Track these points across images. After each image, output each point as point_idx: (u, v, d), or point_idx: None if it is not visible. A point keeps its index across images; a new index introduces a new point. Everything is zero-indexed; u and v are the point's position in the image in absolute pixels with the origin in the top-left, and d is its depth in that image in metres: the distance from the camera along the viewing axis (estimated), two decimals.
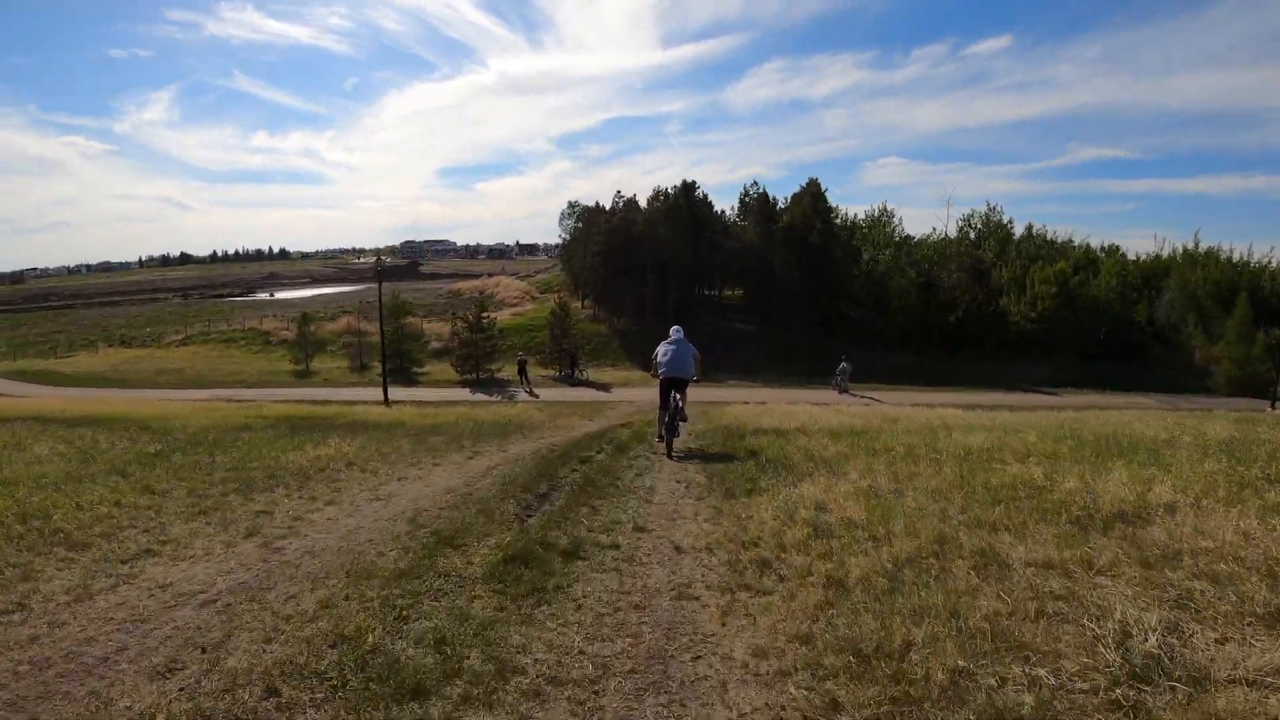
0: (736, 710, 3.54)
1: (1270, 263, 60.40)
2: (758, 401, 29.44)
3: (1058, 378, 47.72)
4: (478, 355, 42.61)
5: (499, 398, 36.25)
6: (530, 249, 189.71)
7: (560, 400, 33.81)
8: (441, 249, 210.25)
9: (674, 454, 11.85)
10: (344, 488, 9.76)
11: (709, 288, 67.18)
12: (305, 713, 3.53)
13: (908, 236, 61.48)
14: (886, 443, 11.87)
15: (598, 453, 12.73)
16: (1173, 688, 3.29)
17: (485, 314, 44.48)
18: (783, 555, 5.66)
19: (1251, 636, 3.70)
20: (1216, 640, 3.71)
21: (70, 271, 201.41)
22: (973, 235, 61.12)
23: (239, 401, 33.14)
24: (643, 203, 59.86)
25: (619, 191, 58.93)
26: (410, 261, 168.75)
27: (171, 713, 3.53)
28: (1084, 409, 33.49)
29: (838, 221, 57.41)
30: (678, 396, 12.47)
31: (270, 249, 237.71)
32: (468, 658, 4.02)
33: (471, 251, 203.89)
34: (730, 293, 67.88)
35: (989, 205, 61.93)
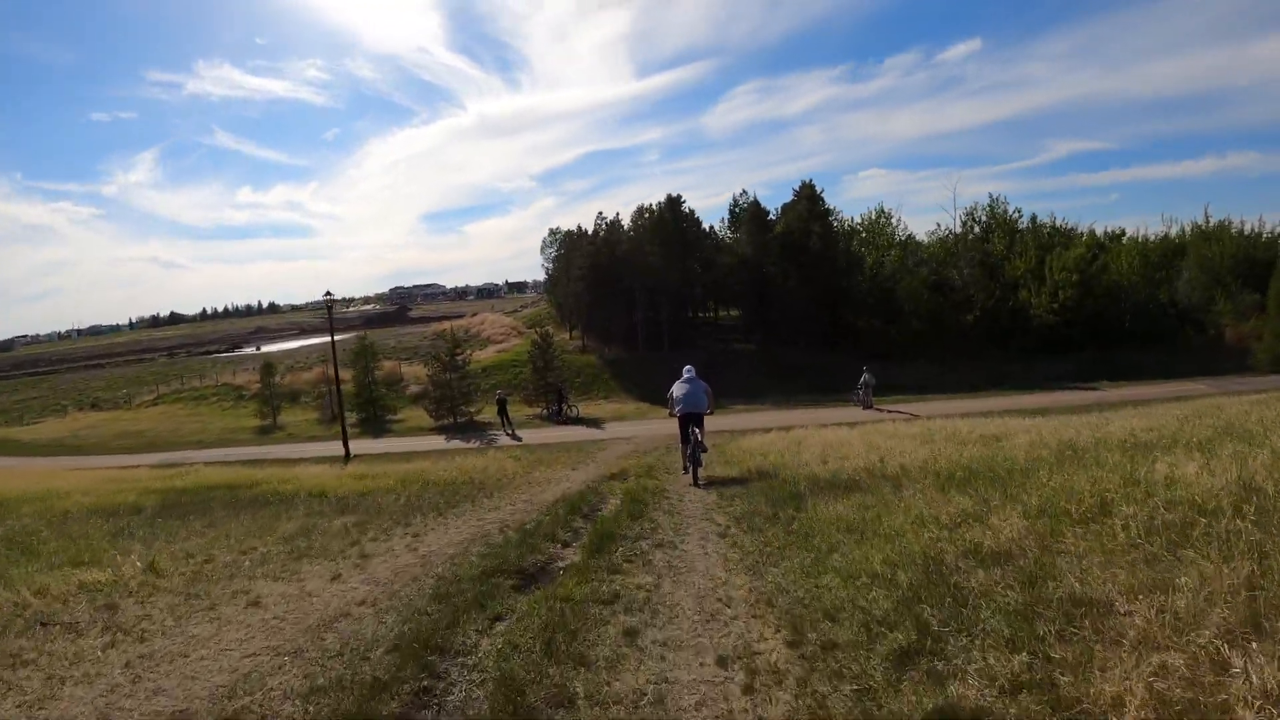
0: None
1: None
2: (778, 427, 24.39)
3: (1087, 371, 43.12)
4: (454, 397, 37.37)
5: (476, 444, 31.07)
6: (519, 287, 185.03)
7: (544, 443, 28.64)
8: (430, 293, 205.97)
9: (700, 483, 12.66)
10: None
11: (703, 309, 62.00)
12: None
13: (910, 236, 56.10)
14: (1063, 488, 6.54)
15: (564, 543, 8.85)
16: None
17: (460, 351, 39.14)
18: None
19: None
20: None
21: (61, 337, 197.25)
22: (977, 229, 55.99)
23: (177, 467, 28.57)
24: (626, 223, 54.76)
25: (600, 213, 53.84)
26: (399, 307, 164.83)
27: None
28: (1147, 402, 28.95)
29: (836, 225, 52.13)
30: (696, 431, 13.17)
31: (260, 303, 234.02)
32: None
33: (460, 293, 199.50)
34: (726, 313, 62.85)
35: (992, 197, 56.61)
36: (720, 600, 5.75)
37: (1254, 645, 3.15)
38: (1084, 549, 4.68)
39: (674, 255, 50.34)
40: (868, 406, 32.69)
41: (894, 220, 56.93)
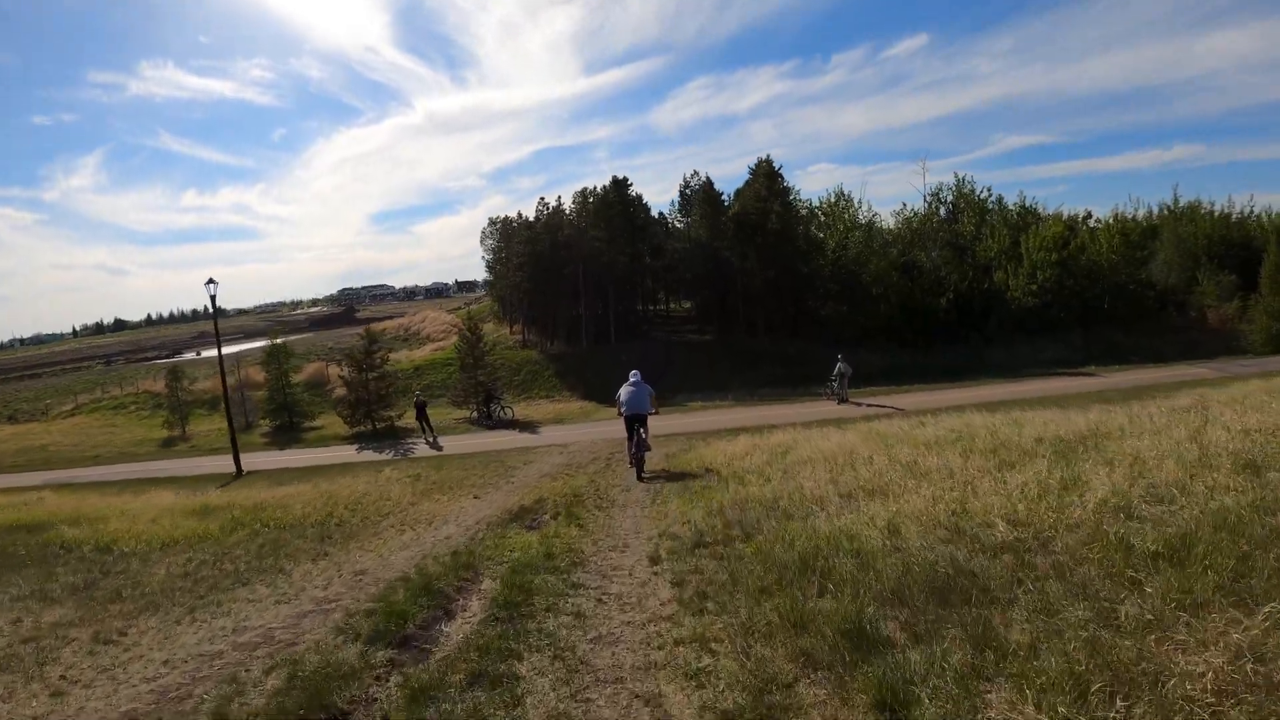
0: None
1: (1257, 213, 53.06)
2: (748, 428, 19.55)
3: (1072, 356, 39.23)
4: (370, 401, 31.73)
5: (389, 454, 25.73)
6: (469, 286, 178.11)
7: (465, 452, 23.48)
8: (379, 294, 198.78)
9: (644, 475, 13.36)
10: None
11: (654, 301, 56.66)
12: None
13: (874, 217, 51.04)
14: None
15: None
16: None
17: (377, 349, 33.52)
18: None
19: None
20: None
21: (3, 348, 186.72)
22: (943, 211, 51.43)
23: (28, 493, 24.15)
24: (569, 208, 49.26)
25: (542, 199, 48.09)
26: (346, 308, 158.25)
27: None
28: (1154, 387, 24.75)
29: (795, 206, 46.91)
30: (641, 430, 13.78)
31: (205, 308, 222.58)
32: None
33: (410, 293, 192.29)
34: (678, 305, 57.74)
35: (958, 177, 52.02)
36: None
37: None
38: None
39: (621, 240, 45.05)
40: (843, 400, 27.89)
41: (855, 203, 52.04)
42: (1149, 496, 5.64)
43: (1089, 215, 52.75)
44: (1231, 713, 2.82)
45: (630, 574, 6.64)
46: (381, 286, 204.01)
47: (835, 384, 28.39)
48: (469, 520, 11.14)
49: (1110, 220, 49.65)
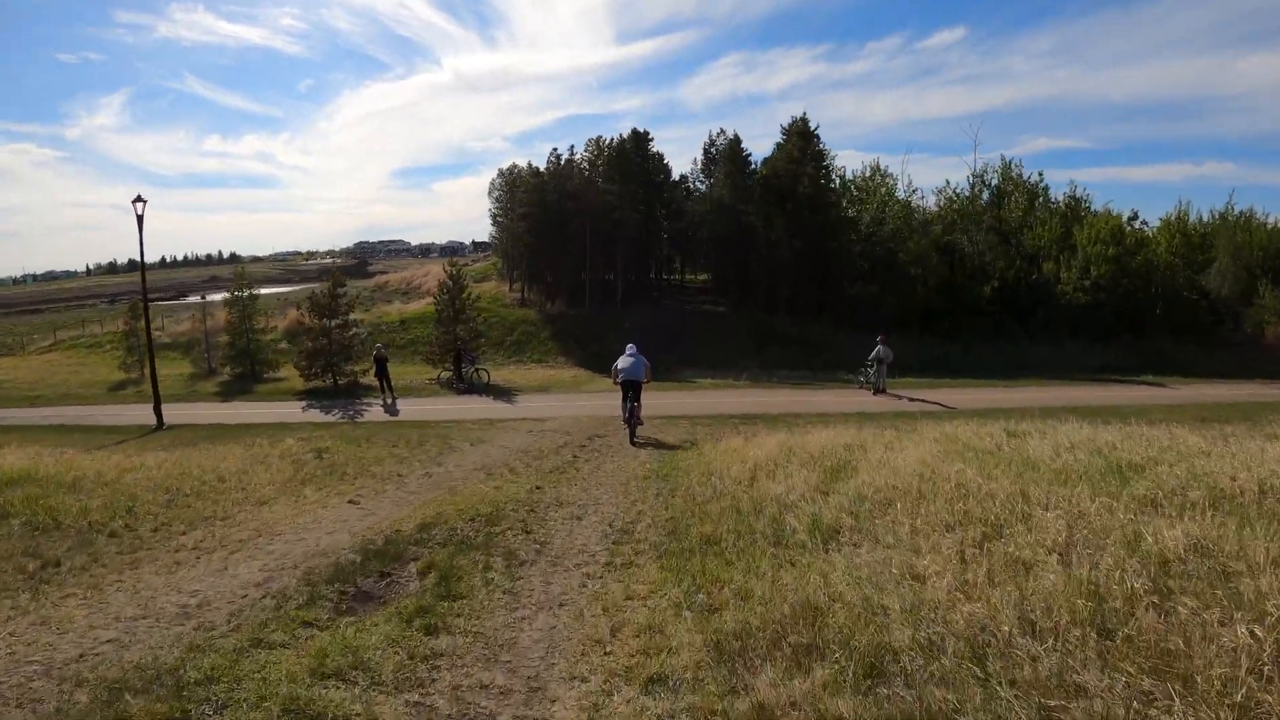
0: None
1: None
2: (773, 416, 15.19)
3: (1121, 363, 34.08)
4: (330, 353, 27.18)
5: (336, 415, 21.38)
6: (484, 246, 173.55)
7: (413, 420, 19.23)
8: (395, 249, 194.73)
9: (636, 441, 14.32)
10: None
11: (668, 270, 51.60)
12: None
13: (914, 192, 45.70)
14: None
15: None
16: None
17: (342, 291, 28.92)
18: None
19: None
20: None
21: (16, 282, 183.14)
22: (987, 194, 46.05)
23: None
24: (582, 158, 44.25)
25: (554, 149, 43.09)
26: (359, 261, 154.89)
27: None
28: (1250, 406, 20.76)
29: (831, 170, 41.77)
30: (635, 405, 14.91)
31: (220, 253, 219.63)
32: None
33: (425, 250, 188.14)
34: (694, 277, 52.72)
35: (1004, 159, 46.53)
36: None
37: None
38: None
39: (636, 197, 40.10)
40: (880, 390, 23.30)
41: (893, 177, 46.74)
42: None
43: (1135, 216, 47.44)
44: None
45: None
46: (397, 242, 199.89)
47: (871, 370, 23.77)
48: (277, 558, 6.68)
49: (1173, 218, 44.29)
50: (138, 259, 25.74)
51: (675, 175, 46.63)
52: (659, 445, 13.53)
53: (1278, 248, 43.09)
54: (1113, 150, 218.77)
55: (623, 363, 15.33)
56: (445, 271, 29.96)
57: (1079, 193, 45.69)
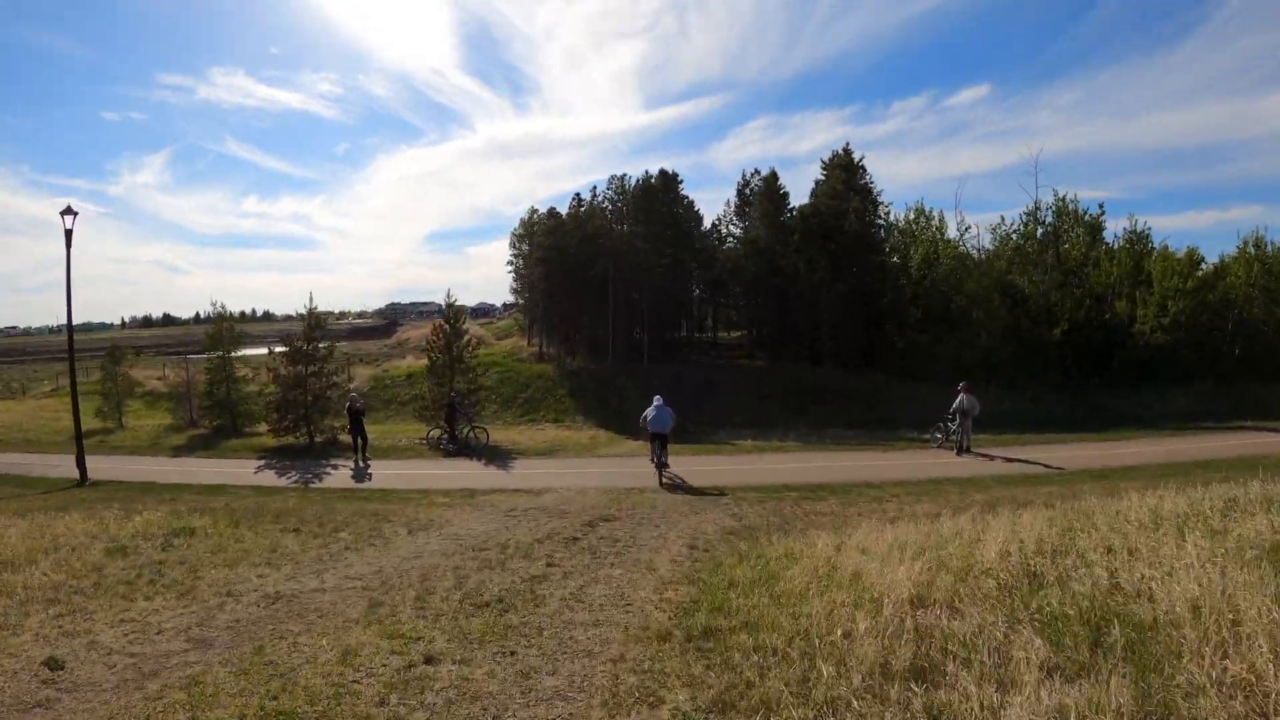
0: None
1: None
2: (835, 487, 10.92)
3: (1205, 408, 29.52)
4: (305, 405, 23.24)
5: (290, 478, 17.34)
6: (513, 308, 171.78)
7: (374, 488, 15.17)
8: (425, 310, 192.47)
9: (665, 482, 15.09)
10: None
11: (699, 329, 47.41)
12: None
13: (966, 229, 41.14)
14: None
15: None
16: None
17: (320, 331, 25.05)
18: None
19: None
20: None
21: (52, 331, 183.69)
22: (1039, 233, 41.36)
23: None
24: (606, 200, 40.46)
25: (577, 195, 39.52)
26: (389, 322, 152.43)
27: None
28: None
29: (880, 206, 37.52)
30: (663, 453, 15.94)
31: (255, 311, 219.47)
32: None
33: (456, 311, 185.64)
34: (728, 335, 48.48)
35: (1057, 194, 41.70)
36: None
37: None
38: None
39: (662, 238, 36.24)
40: (964, 450, 18.78)
41: (939, 218, 42.42)
42: None
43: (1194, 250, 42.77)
44: None
45: None
46: (428, 304, 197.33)
47: (952, 426, 19.34)
48: None
49: (1249, 246, 39.36)
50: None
51: (706, 225, 42.80)
52: (693, 545, 9.12)
53: None
54: (1140, 200, 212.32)
55: (650, 412, 16.23)
56: (443, 323, 25.84)
57: (1139, 226, 40.95)
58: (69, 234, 18.91)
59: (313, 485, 16.60)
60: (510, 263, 48.58)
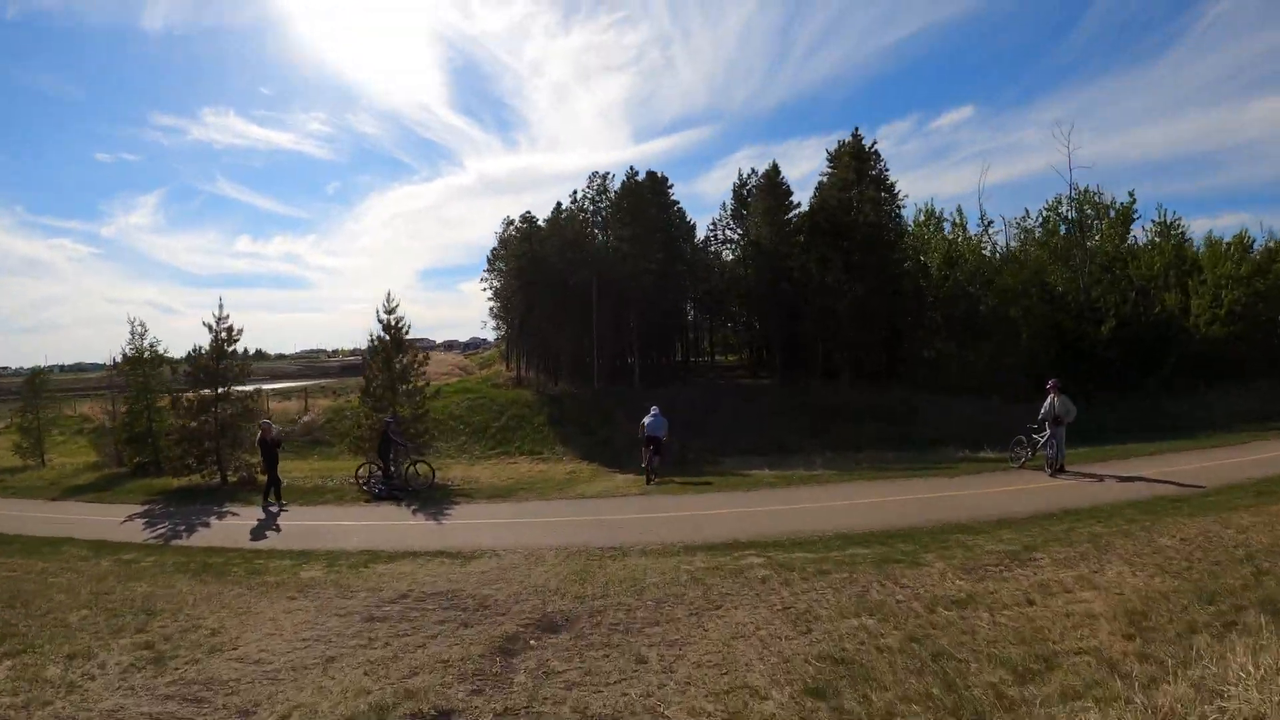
0: None
1: None
2: (909, 531, 5.99)
3: (1269, 407, 25.17)
4: (211, 437, 18.64)
5: (158, 531, 12.68)
6: (502, 338, 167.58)
7: (259, 548, 10.23)
8: (419, 346, 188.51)
9: (652, 482, 15.86)
10: None
11: (695, 351, 43.07)
12: None
13: (988, 224, 36.62)
14: None
15: None
16: None
17: (228, 350, 20.36)
18: None
19: None
20: None
21: (41, 372, 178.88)
22: (1062, 229, 36.81)
23: None
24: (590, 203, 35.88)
25: (559, 203, 34.96)
26: None
27: None
28: None
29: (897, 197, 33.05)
30: (656, 456, 16.62)
31: (246, 350, 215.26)
32: None
33: (449, 346, 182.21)
34: (727, 358, 44.42)
35: (1081, 189, 37.09)
36: None
37: None
38: None
39: (653, 245, 31.65)
40: (1058, 469, 14.13)
41: (945, 226, 37.88)
42: None
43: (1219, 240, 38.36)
44: None
45: None
46: (422, 340, 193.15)
47: (1040, 439, 14.70)
48: None
49: None
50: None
51: (700, 237, 38.36)
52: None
53: None
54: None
55: (647, 420, 17.03)
56: (380, 321, 20.95)
57: (1168, 217, 36.43)
58: None
59: (176, 541, 11.97)
60: (484, 279, 43.70)
